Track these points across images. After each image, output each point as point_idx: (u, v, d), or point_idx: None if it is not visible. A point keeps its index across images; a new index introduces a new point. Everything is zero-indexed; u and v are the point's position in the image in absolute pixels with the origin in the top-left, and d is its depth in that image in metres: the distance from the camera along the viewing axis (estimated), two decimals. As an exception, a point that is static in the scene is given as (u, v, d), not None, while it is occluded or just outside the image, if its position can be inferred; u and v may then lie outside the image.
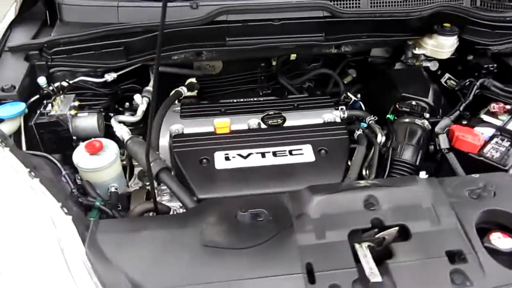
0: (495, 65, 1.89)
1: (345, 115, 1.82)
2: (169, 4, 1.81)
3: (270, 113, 1.79)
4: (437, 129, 1.55)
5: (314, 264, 1.06)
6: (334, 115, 1.80)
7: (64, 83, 1.70)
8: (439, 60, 2.08)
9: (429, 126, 1.64)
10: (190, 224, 1.15)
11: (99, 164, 1.37)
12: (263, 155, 1.59)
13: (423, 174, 1.44)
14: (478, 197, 1.23)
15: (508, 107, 1.70)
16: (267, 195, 1.30)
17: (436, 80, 2.07)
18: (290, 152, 1.60)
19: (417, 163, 1.58)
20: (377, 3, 1.88)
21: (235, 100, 1.96)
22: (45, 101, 1.64)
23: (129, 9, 1.83)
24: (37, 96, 1.65)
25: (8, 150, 1.21)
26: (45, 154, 1.34)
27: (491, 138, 1.54)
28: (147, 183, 1.57)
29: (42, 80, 1.66)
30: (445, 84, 2.04)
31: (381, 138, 1.68)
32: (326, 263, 1.06)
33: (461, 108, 1.70)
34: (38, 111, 1.60)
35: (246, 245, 1.10)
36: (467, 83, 1.85)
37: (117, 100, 1.83)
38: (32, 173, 1.16)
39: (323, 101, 1.90)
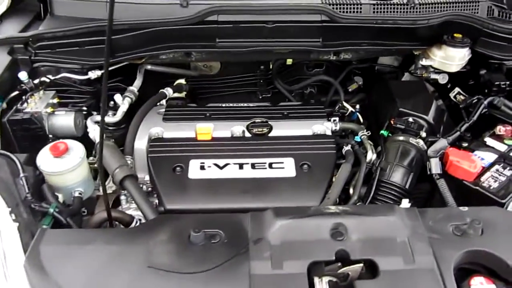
0: (507, 82, 1.72)
1: (337, 128, 1.70)
2: (158, 1, 1.76)
3: (256, 121, 1.69)
4: (430, 151, 1.41)
5: (264, 297, 0.96)
6: (325, 126, 1.68)
7: (46, 79, 1.64)
8: (450, 73, 1.92)
9: (424, 146, 1.50)
10: (138, 241, 1.07)
11: (62, 167, 1.31)
12: (240, 166, 1.50)
13: (405, 203, 1.30)
14: (463, 234, 1.10)
15: (517, 130, 1.54)
16: (226, 214, 1.21)
17: (444, 94, 1.92)
18: (270, 165, 1.50)
19: (407, 186, 1.45)
20: (380, 8, 1.74)
21: (223, 105, 1.87)
22: (24, 97, 1.60)
23: (119, 5, 1.75)
24: (17, 92, 1.60)
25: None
26: (7, 153, 1.29)
27: (492, 165, 1.39)
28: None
29: (23, 75, 1.62)
30: (454, 99, 1.88)
31: (371, 156, 1.55)
32: (278, 297, 0.97)
33: (463, 129, 1.54)
34: (14, 107, 1.56)
35: (193, 269, 1.01)
36: (474, 101, 1.68)
37: (99, 98, 1.77)
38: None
39: (315, 110, 1.79)
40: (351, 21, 1.70)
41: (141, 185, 1.59)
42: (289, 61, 2.02)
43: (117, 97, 1.69)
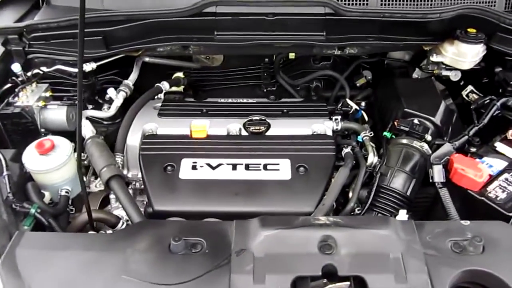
0: (525, 82, 1.61)
1: (339, 127, 1.61)
2: (154, -9, 1.69)
3: (253, 118, 1.63)
4: (433, 157, 1.31)
5: (243, 314, 0.91)
6: (326, 126, 1.60)
7: (39, 72, 1.61)
8: (462, 70, 1.81)
9: (429, 150, 1.41)
10: (116, 248, 1.03)
11: (48, 165, 1.27)
12: (234, 167, 1.44)
13: (402, 214, 1.23)
14: (462, 251, 1.03)
15: (531, 135, 1.43)
16: (210, 221, 1.16)
17: (456, 93, 1.81)
18: (265, 167, 1.44)
19: (409, 193, 1.36)
20: (388, 1, 1.64)
21: (222, 100, 1.81)
22: (16, 90, 1.57)
23: (115, -5, 1.70)
24: (9, 85, 1.57)
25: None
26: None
27: (500, 173, 1.29)
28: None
29: (16, 67, 1.58)
30: (466, 98, 1.77)
31: (372, 159, 1.47)
32: (258, 314, 0.92)
33: (471, 133, 1.44)
34: (6, 101, 1.52)
35: (171, 280, 0.96)
36: (486, 101, 1.57)
37: (94, 92, 1.73)
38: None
39: (317, 108, 1.71)
40: (357, 14, 1.60)
41: (134, 183, 1.56)
42: (292, 55, 1.93)
43: (111, 91, 1.64)
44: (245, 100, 1.80)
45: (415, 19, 1.61)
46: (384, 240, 1.03)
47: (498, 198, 1.22)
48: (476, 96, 1.72)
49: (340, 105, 1.73)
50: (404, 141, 1.44)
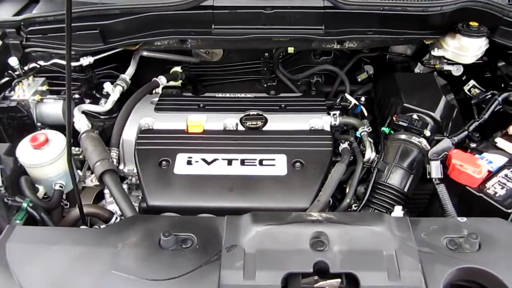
0: (527, 77, 1.57)
1: (337, 122, 1.59)
2: (151, -15, 1.67)
3: (250, 113, 1.61)
4: (431, 153, 1.29)
5: (232, 310, 0.90)
6: (324, 121, 1.58)
7: (36, 65, 1.60)
8: (465, 65, 1.78)
9: (427, 146, 1.39)
10: (107, 243, 1.02)
11: (42, 159, 1.27)
12: (229, 162, 1.42)
13: (398, 211, 1.20)
14: (457, 248, 1.00)
15: (533, 130, 1.40)
16: (201, 217, 1.15)
17: (459, 87, 1.77)
18: (261, 162, 1.42)
19: (406, 189, 1.34)
20: (389, -6, 1.60)
21: (219, 95, 1.79)
22: (13, 84, 1.56)
23: (112, -11, 1.69)
24: (7, 79, 1.57)
25: None
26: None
27: (500, 169, 1.27)
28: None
29: (13, 61, 1.58)
30: (468, 93, 1.74)
31: (370, 155, 1.45)
32: (246, 311, 0.90)
33: (471, 128, 1.41)
34: (2, 94, 1.52)
35: (161, 276, 0.95)
36: (488, 96, 1.54)
37: (92, 86, 1.72)
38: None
39: (316, 103, 1.69)
40: (356, 7, 1.57)
41: (130, 177, 1.56)
42: (291, 50, 1.90)
43: (107, 85, 1.63)
44: (243, 95, 1.78)
45: (416, 12, 1.58)
46: (378, 237, 1.01)
47: (497, 195, 1.20)
48: (478, 91, 1.69)
49: (338, 100, 1.70)
50: (403, 136, 1.42)
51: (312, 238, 1.00)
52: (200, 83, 2.10)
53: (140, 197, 1.43)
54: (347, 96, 1.73)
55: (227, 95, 1.78)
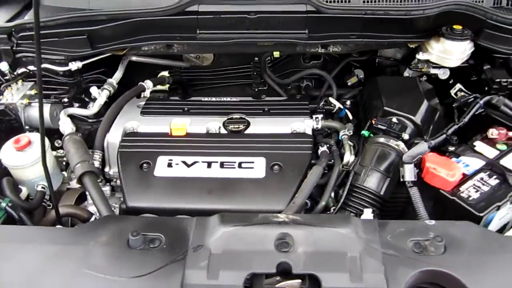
0: (510, 80, 1.56)
1: (319, 126, 1.60)
2: (138, -9, 1.71)
3: (233, 117, 1.63)
4: (405, 156, 1.29)
5: (193, 309, 0.92)
6: (306, 124, 1.59)
7: (26, 70, 1.65)
8: (451, 68, 1.77)
9: (405, 149, 1.39)
10: (79, 242, 1.05)
11: (23, 161, 1.31)
12: (209, 165, 1.44)
13: (368, 213, 1.21)
14: (422, 251, 1.00)
15: (512, 134, 1.39)
16: (171, 218, 1.17)
17: (446, 91, 1.77)
18: (240, 165, 1.44)
19: (382, 192, 1.34)
20: (372, -3, 1.61)
21: (206, 99, 1.82)
22: (1, 88, 1.61)
23: (100, -5, 1.73)
24: (-4, 83, 1.62)
25: None
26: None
27: (476, 173, 1.26)
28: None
29: (3, 66, 1.63)
30: (455, 96, 1.73)
31: (349, 158, 1.45)
32: (207, 310, 0.92)
33: (450, 131, 1.41)
34: (-9, 98, 1.57)
35: (128, 274, 0.98)
36: (470, 99, 1.54)
37: (80, 90, 1.76)
38: None
39: (299, 106, 1.70)
40: (338, 11, 1.59)
41: (115, 180, 1.59)
42: (276, 54, 1.92)
43: (93, 89, 1.67)
44: (228, 99, 1.80)
45: (398, 16, 1.58)
46: (343, 239, 1.02)
47: (470, 198, 1.19)
48: (464, 95, 1.68)
49: (322, 103, 1.72)
50: (381, 140, 1.42)
51: (277, 239, 1.02)
52: (191, 88, 2.13)
53: (121, 199, 1.46)
54: (331, 99, 1.74)
55: (213, 99, 1.81)
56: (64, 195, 1.45)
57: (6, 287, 0.97)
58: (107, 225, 1.11)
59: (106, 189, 1.51)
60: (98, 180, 1.37)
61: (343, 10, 1.59)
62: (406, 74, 1.92)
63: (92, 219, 1.33)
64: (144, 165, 1.45)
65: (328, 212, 1.38)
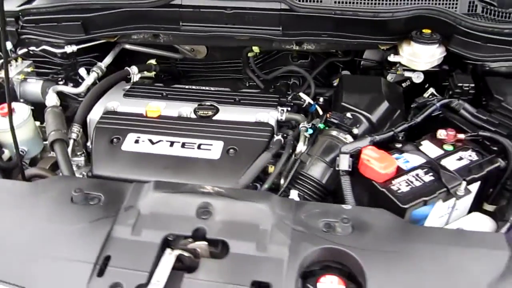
0: (472, 85, 1.58)
1: (283, 118, 1.68)
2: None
3: (205, 104, 1.74)
4: (343, 147, 1.35)
5: (112, 258, 1.03)
6: (270, 115, 1.68)
7: (27, 50, 1.84)
8: (426, 72, 1.81)
9: (352, 143, 1.44)
10: (32, 193, 1.21)
11: (5, 125, 1.48)
12: (171, 144, 1.56)
13: (294, 194, 1.28)
14: (329, 230, 1.07)
15: (461, 136, 1.41)
16: (113, 181, 1.30)
17: (418, 95, 1.80)
18: (199, 146, 1.55)
19: (324, 181, 1.41)
20: (343, -1, 1.68)
21: (186, 87, 1.94)
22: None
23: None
24: (1, 61, 1.82)
25: None
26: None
27: (413, 169, 1.30)
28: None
29: (7, 45, 1.82)
30: (426, 101, 1.76)
31: (301, 148, 1.53)
32: (124, 260, 1.03)
33: (399, 129, 1.45)
34: (-8, 73, 1.77)
35: (66, 225, 1.11)
36: (429, 102, 1.57)
37: (74, 71, 1.94)
38: None
39: (269, 99, 1.79)
40: (309, 10, 1.67)
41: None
42: (256, 49, 2.03)
43: (81, 70, 1.84)
44: (206, 88, 1.92)
45: (367, 17, 1.64)
46: (258, 212, 1.10)
47: (399, 191, 1.24)
48: (434, 99, 1.71)
49: (290, 97, 1.80)
50: (333, 133, 1.49)
51: (200, 207, 1.12)
52: (185, 79, 2.27)
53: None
54: (301, 94, 1.82)
55: (193, 87, 1.93)
56: (41, 161, 1.61)
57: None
58: (59, 182, 1.25)
59: (81, 159, 1.67)
60: (69, 148, 1.52)
61: (314, 9, 1.67)
62: (389, 77, 1.97)
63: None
64: (115, 139, 1.58)
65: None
